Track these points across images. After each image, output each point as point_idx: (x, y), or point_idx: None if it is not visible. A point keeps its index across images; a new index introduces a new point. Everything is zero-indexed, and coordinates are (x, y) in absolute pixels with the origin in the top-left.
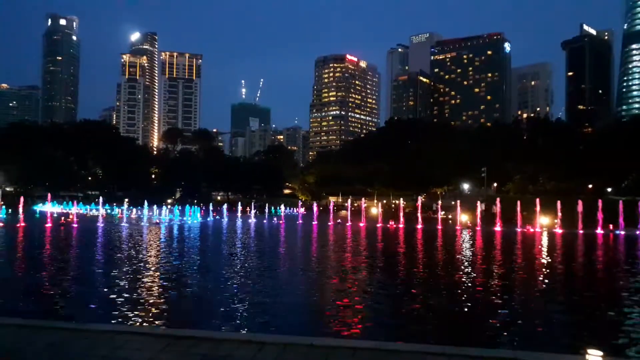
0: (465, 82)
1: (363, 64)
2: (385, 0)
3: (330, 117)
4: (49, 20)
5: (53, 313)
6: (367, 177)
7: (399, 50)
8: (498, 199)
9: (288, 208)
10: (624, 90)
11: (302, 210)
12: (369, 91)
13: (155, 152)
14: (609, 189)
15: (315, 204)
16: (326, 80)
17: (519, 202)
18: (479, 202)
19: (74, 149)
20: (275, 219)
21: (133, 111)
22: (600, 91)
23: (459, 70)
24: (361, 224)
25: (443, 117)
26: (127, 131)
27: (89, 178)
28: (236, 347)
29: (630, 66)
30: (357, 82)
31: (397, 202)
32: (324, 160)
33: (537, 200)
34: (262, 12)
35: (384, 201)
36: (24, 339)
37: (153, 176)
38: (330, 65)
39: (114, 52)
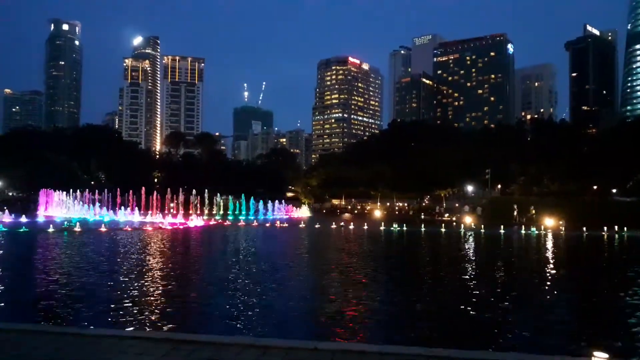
0: (468, 84)
1: (366, 66)
2: (388, 3)
3: (333, 120)
4: (52, 25)
5: None
6: (370, 179)
7: (402, 52)
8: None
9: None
10: (628, 90)
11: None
12: (371, 93)
13: (157, 156)
14: (614, 190)
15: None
16: (329, 82)
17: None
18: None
19: (77, 153)
20: (278, 222)
21: (135, 115)
22: (604, 92)
23: (462, 72)
24: (364, 227)
25: (446, 118)
26: (130, 135)
27: (92, 183)
28: (239, 352)
29: (634, 66)
30: (359, 84)
31: (400, 204)
32: (326, 163)
33: (538, 202)
34: (264, 16)
35: (388, 203)
36: (27, 345)
37: (155, 180)
38: (333, 67)
39: (117, 57)
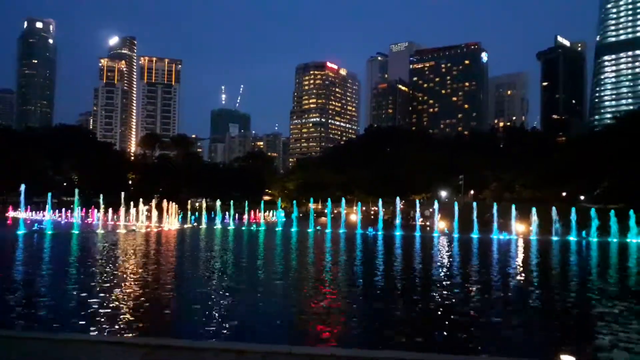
0: (443, 91)
1: (343, 71)
2: (366, 9)
3: (311, 124)
4: (25, 23)
5: None
6: (347, 183)
7: (379, 58)
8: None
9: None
10: (597, 100)
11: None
12: (349, 99)
13: (132, 158)
14: (582, 197)
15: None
16: (306, 87)
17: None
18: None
19: (49, 154)
20: (254, 226)
21: (110, 116)
22: (573, 101)
23: (437, 79)
24: (341, 231)
25: (421, 125)
26: (104, 136)
27: (64, 184)
28: (215, 356)
29: (602, 77)
30: (337, 89)
31: (376, 208)
32: (304, 167)
33: (513, 207)
34: (243, 18)
35: (364, 208)
36: None
37: (130, 182)
38: (311, 72)
39: (92, 57)
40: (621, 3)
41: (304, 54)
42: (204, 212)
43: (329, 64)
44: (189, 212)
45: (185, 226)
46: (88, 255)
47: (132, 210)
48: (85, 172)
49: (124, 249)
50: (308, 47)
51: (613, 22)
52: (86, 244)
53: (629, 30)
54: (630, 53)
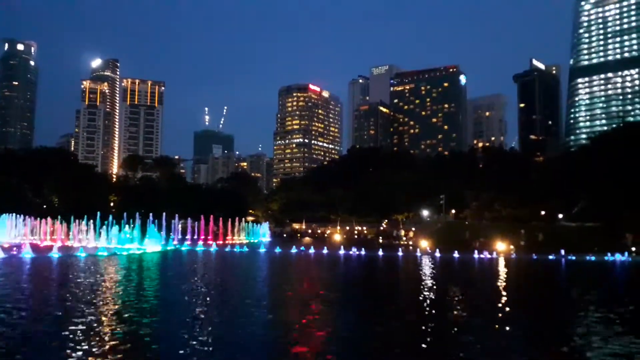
0: (423, 113)
1: (325, 93)
2: (347, 33)
3: (294, 145)
4: (6, 44)
5: None
6: (331, 204)
7: (360, 81)
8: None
9: None
10: (572, 121)
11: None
12: (331, 120)
13: (114, 180)
14: (560, 216)
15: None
16: (290, 109)
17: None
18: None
19: (29, 176)
20: (237, 247)
21: (92, 138)
22: (549, 122)
23: (417, 101)
24: (324, 251)
25: (402, 145)
26: (86, 158)
27: (44, 206)
28: None
29: (576, 99)
30: (320, 111)
31: (360, 228)
32: (287, 187)
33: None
34: (226, 41)
35: (347, 228)
36: None
37: (112, 204)
38: (294, 94)
39: (74, 79)
40: (593, 28)
41: (287, 76)
42: (187, 234)
43: (311, 86)
44: (171, 233)
45: (168, 248)
46: (60, 285)
47: (115, 232)
48: (65, 194)
49: (99, 280)
50: (291, 69)
51: (585, 46)
52: (62, 270)
53: (601, 54)
54: (602, 76)
